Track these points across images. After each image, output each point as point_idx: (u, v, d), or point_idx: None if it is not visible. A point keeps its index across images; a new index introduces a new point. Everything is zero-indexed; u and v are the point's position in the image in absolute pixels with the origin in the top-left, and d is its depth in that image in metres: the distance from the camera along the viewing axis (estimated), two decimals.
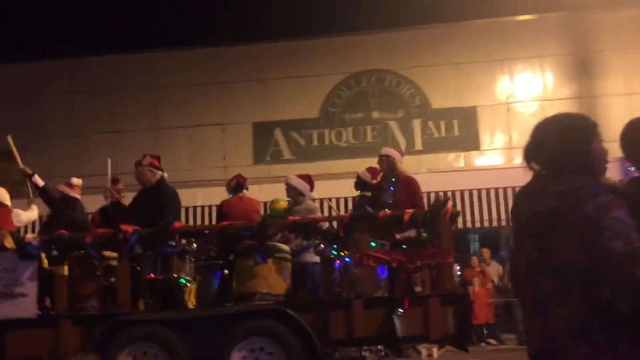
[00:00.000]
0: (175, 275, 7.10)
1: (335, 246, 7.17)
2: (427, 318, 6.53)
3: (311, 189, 8.41)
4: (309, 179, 8.46)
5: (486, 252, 16.86)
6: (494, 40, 16.85)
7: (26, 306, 6.82)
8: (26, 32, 19.61)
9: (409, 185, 7.75)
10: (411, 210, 6.94)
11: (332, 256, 7.22)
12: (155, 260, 7.10)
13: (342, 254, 7.16)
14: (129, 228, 7.07)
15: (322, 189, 15.71)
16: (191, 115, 17.08)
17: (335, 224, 7.48)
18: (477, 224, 16.28)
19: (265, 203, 11.19)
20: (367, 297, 6.75)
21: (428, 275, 7.01)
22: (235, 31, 18.78)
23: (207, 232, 7.60)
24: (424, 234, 7.16)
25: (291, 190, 8.27)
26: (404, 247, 7.13)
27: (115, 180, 8.85)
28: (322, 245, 7.08)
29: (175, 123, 17.10)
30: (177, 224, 7.26)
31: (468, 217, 15.87)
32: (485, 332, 15.59)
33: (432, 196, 13.83)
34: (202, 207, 16.03)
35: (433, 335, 6.63)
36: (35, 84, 17.42)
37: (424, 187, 8.34)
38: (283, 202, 8.93)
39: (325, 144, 17.05)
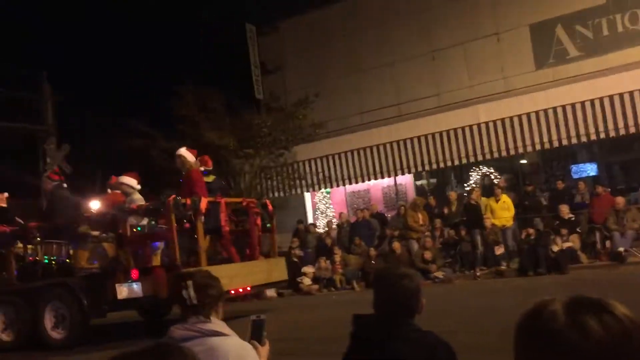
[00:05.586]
0: (37, 258, 10.14)
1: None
2: (156, 283, 8.68)
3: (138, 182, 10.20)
4: (135, 175, 10.29)
5: None
6: None
7: None
8: None
9: (188, 179, 9.55)
10: (143, 204, 9.44)
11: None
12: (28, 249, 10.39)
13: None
14: (6, 228, 10.16)
15: (618, 84, 14.01)
16: (465, 30, 16.56)
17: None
18: None
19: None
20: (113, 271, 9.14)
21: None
22: None
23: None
24: (153, 222, 9.53)
25: (122, 187, 10.06)
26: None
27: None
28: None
29: (450, 42, 16.78)
30: (31, 224, 10.05)
31: None
32: None
33: None
34: (486, 123, 15.61)
35: (161, 295, 8.55)
36: (315, 32, 18.71)
37: None
38: None
39: (617, 31, 14.99)
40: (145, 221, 9.59)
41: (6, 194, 11.40)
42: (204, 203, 9.07)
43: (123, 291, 8.69)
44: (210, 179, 10.30)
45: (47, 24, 20.63)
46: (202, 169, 10.18)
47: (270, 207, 10.84)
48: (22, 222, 10.61)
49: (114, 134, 16.38)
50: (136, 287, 8.69)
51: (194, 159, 9.88)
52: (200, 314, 2.75)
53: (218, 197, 9.61)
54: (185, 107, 16.37)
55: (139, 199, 9.85)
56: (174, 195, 8.98)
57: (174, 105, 16.43)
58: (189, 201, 8.89)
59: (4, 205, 11.31)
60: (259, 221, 10.35)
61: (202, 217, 9.12)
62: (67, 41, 20.17)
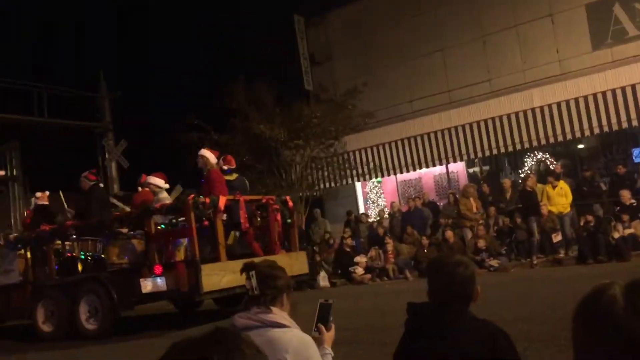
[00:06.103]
0: (74, 254, 10.86)
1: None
2: (177, 277, 9.03)
3: (165, 182, 10.66)
4: (162, 175, 10.71)
5: None
6: None
7: (13, 276, 11.14)
8: None
9: (209, 179, 9.76)
10: (164, 203, 9.76)
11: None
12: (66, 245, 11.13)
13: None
14: (46, 227, 10.58)
15: None
16: (517, 12, 16.11)
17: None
18: None
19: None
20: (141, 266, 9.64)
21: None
22: None
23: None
24: (174, 220, 10.15)
25: (150, 186, 10.48)
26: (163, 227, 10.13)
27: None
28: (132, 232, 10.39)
29: (501, 25, 16.37)
30: (67, 222, 10.54)
31: None
32: None
33: None
34: (541, 107, 15.18)
35: (183, 289, 8.98)
36: (363, 22, 18.58)
37: None
38: None
39: None
40: (167, 219, 9.95)
41: (47, 192, 11.90)
42: (222, 201, 9.32)
43: (147, 285, 9.20)
44: (233, 177, 10.54)
45: (103, 24, 21.23)
46: (225, 167, 10.46)
47: (290, 203, 11.08)
48: (69, 212, 11.16)
49: (167, 129, 16.74)
50: (160, 281, 9.14)
51: (215, 159, 10.25)
52: (262, 304, 2.74)
53: (237, 195, 9.81)
54: (236, 101, 16.56)
55: (165, 198, 10.22)
56: (193, 195, 9.32)
57: (226, 100, 16.64)
58: (208, 200, 9.16)
59: (46, 203, 11.83)
60: (279, 217, 10.59)
61: (223, 215, 9.39)
62: (122, 40, 20.73)
